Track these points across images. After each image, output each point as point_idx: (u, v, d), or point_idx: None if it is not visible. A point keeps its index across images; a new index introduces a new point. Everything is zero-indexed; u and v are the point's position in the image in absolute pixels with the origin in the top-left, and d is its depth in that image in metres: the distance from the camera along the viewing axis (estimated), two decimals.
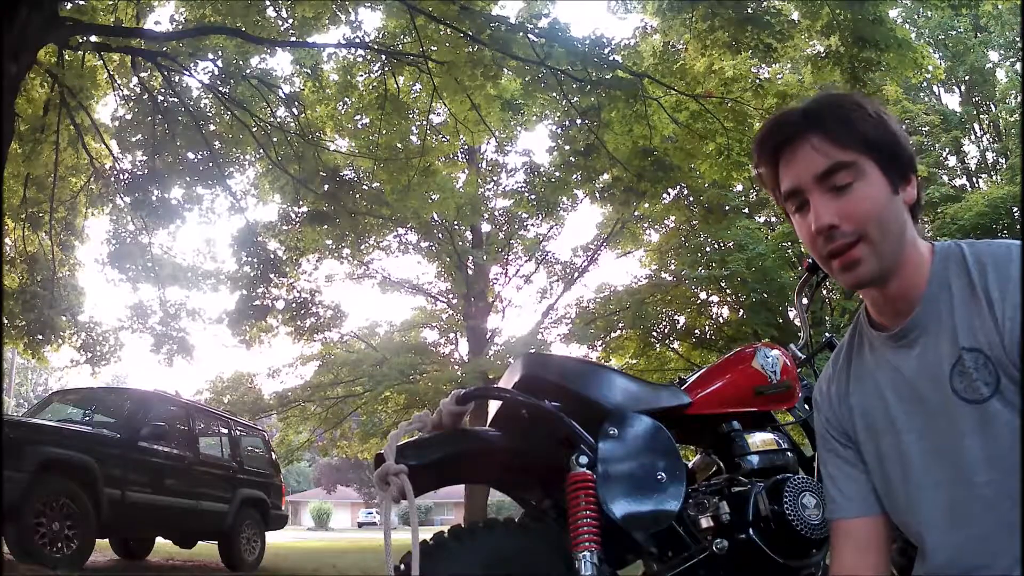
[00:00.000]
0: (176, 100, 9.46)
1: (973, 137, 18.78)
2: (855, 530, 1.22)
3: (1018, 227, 13.30)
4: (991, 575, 1.04)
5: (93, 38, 8.14)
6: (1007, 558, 1.02)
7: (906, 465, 1.14)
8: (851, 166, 1.08)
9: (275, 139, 9.59)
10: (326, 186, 9.97)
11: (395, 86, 9.27)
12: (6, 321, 10.42)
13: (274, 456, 10.01)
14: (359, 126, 10.19)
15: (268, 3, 8.84)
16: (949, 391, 1.08)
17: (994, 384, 1.04)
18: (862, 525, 1.22)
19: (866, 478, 1.23)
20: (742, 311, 14.72)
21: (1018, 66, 16.74)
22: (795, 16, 8.44)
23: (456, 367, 15.32)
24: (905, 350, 1.14)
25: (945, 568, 1.09)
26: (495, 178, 15.82)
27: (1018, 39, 15.51)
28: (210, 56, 9.10)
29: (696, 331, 15.77)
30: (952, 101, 19.00)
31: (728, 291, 15.01)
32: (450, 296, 17.06)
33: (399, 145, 9.85)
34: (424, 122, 9.95)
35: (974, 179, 18.43)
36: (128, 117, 9.83)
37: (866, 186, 1.08)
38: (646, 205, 12.50)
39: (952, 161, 18.13)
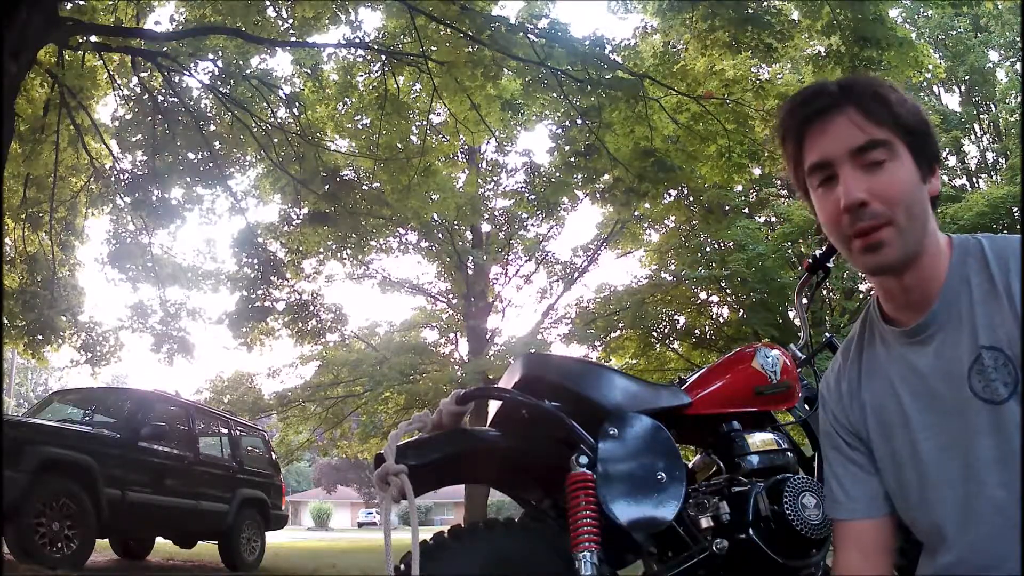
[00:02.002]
0: (176, 100, 9.47)
1: (973, 137, 18.75)
2: (860, 532, 1.20)
3: (1018, 227, 13.28)
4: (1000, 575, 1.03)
5: (93, 38, 8.14)
6: (1016, 560, 1.00)
7: (919, 463, 1.12)
8: (887, 145, 1.06)
9: (275, 139, 9.59)
10: (327, 186, 9.97)
11: (395, 86, 9.26)
12: (6, 321, 10.42)
13: (274, 456, 10.01)
14: (359, 126, 10.19)
15: (268, 3, 8.84)
16: (967, 390, 1.05)
17: (1013, 385, 1.02)
18: (867, 527, 1.20)
19: (872, 479, 1.20)
20: (742, 311, 14.70)
21: (1018, 66, 16.73)
22: (795, 16, 8.44)
23: (456, 367, 15.30)
24: (921, 346, 1.12)
25: (954, 567, 1.08)
26: (495, 178, 15.82)
27: (1018, 39, 15.49)
28: (210, 56, 9.10)
29: (696, 331, 15.74)
30: (952, 101, 19.00)
31: (728, 291, 14.99)
32: (450, 296, 17.06)
33: (399, 145, 9.85)
34: (424, 122, 9.94)
35: (974, 179, 18.41)
36: (128, 117, 9.83)
37: (899, 167, 1.06)
38: (646, 205, 12.48)
39: (952, 161, 18.10)
